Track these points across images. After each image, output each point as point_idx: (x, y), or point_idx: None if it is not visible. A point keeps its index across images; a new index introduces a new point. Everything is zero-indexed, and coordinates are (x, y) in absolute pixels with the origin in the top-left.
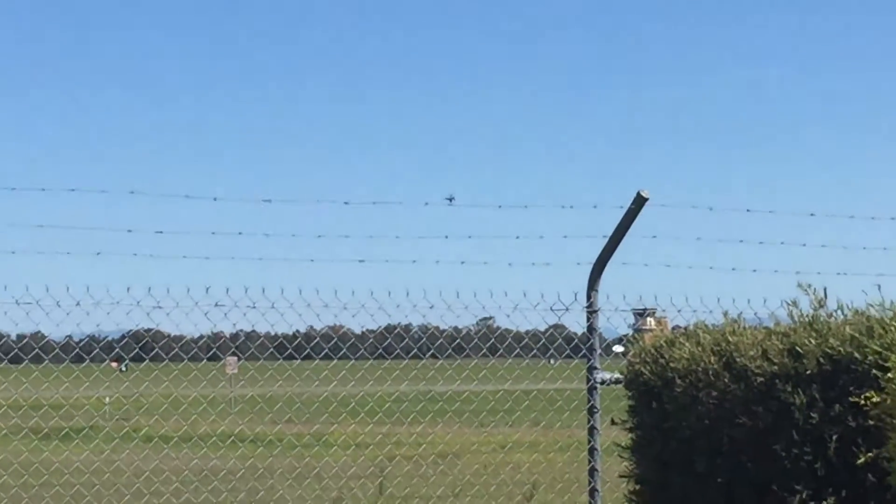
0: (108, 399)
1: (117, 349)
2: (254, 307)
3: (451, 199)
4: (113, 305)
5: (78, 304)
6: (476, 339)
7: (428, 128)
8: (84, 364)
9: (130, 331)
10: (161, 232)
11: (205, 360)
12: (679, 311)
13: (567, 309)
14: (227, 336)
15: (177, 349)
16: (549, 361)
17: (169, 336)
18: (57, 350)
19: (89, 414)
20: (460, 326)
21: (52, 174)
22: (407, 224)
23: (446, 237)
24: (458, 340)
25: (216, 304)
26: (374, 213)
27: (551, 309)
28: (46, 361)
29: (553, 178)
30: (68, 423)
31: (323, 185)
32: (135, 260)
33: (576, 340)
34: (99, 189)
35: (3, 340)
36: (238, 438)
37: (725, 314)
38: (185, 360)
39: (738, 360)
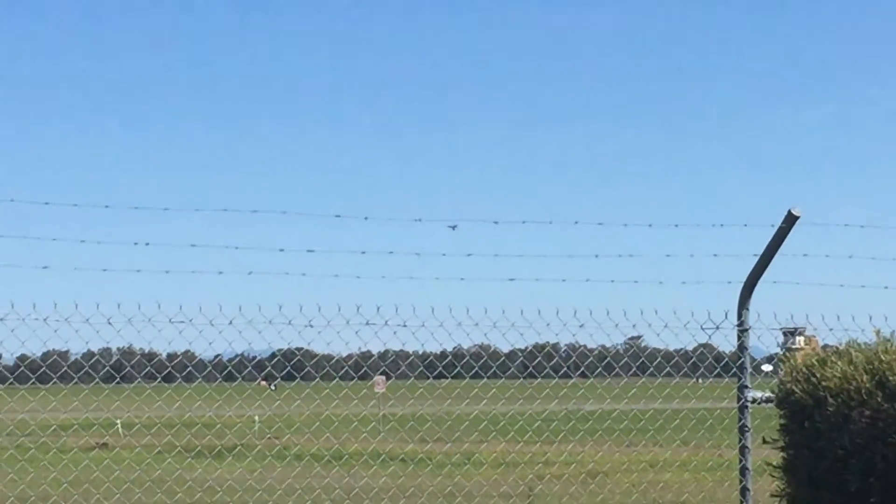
0: (258, 417)
1: (269, 367)
2: (404, 326)
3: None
4: (265, 324)
5: (230, 322)
6: (626, 358)
7: (576, 147)
8: (236, 382)
9: (281, 349)
10: (313, 251)
11: (355, 379)
12: (830, 329)
13: (718, 328)
14: (377, 355)
15: (328, 368)
16: (699, 380)
17: (319, 355)
18: (210, 368)
19: (241, 432)
20: (608, 345)
21: (205, 195)
22: (556, 243)
23: (596, 256)
24: (607, 359)
25: (367, 323)
26: (524, 232)
27: (702, 328)
28: (199, 380)
29: (704, 196)
30: (220, 440)
31: (472, 205)
32: (286, 279)
33: (726, 359)
34: (251, 209)
35: (156, 359)
36: (388, 457)
37: (878, 333)
38: (336, 379)
39: (891, 378)
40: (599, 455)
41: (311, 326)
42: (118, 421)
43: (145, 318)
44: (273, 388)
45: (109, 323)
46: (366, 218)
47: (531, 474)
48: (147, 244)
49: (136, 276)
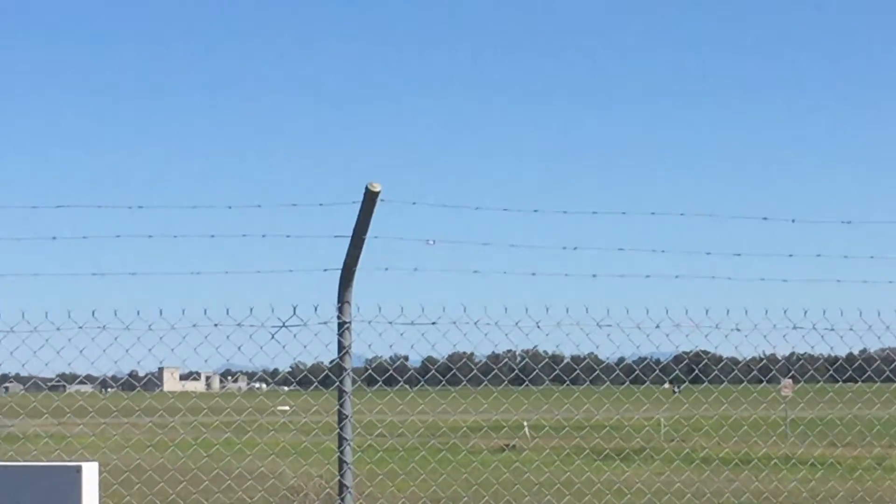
0: (663, 420)
1: (676, 371)
2: (814, 328)
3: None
4: (696, 328)
5: (657, 326)
6: None
7: None
8: (643, 386)
9: (687, 353)
10: (739, 254)
11: (763, 383)
12: None
13: None
14: (782, 358)
15: (735, 371)
16: None
17: (724, 358)
18: (617, 371)
19: (648, 435)
20: None
21: (632, 197)
22: None
23: None
24: None
25: (795, 327)
26: None
27: None
28: (606, 383)
29: None
30: (628, 443)
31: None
32: (712, 282)
33: None
34: (678, 212)
35: (565, 362)
36: (798, 461)
37: None
38: (745, 383)
39: None
40: None
41: (738, 330)
42: (525, 423)
43: (573, 322)
44: (677, 391)
45: (538, 326)
46: (793, 220)
47: None
48: (575, 248)
49: (563, 279)
